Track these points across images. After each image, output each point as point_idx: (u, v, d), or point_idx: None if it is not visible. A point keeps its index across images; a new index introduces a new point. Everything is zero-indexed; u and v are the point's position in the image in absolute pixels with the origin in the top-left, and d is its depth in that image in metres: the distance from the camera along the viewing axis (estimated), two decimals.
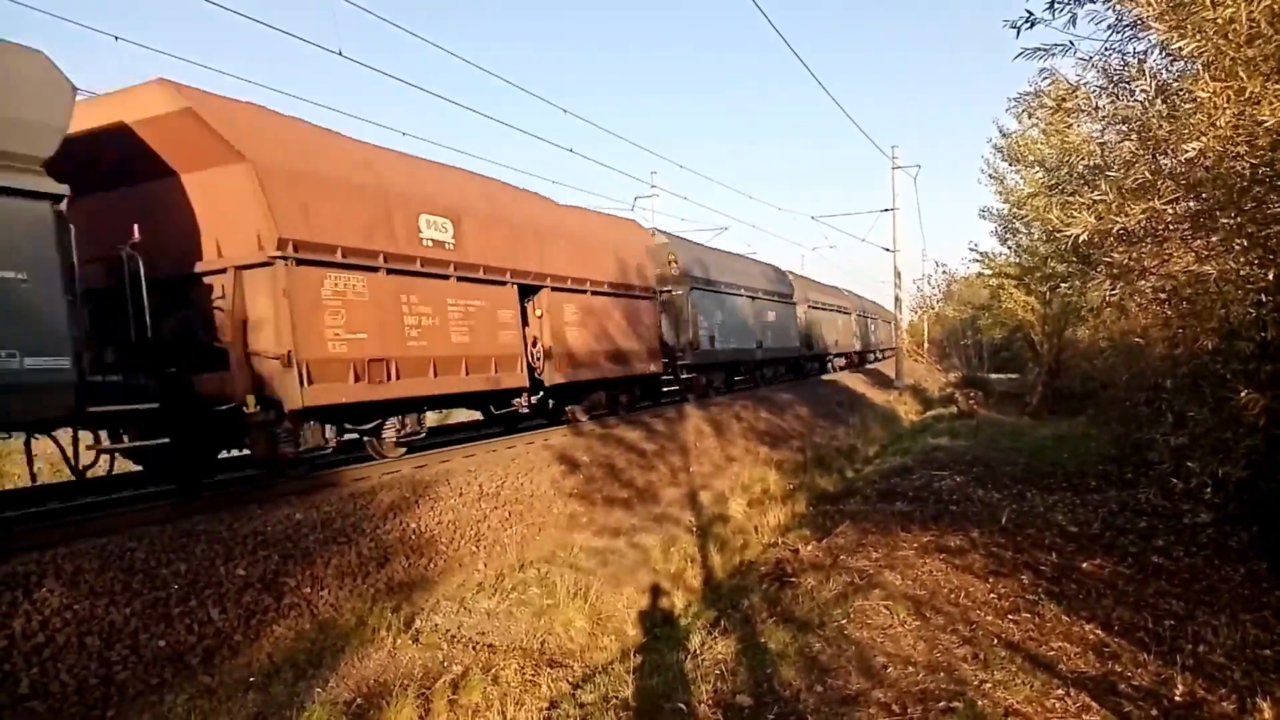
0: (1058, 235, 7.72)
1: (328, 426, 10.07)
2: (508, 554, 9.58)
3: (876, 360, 51.39)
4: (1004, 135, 25.51)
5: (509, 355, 12.75)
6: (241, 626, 6.71)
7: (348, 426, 10.52)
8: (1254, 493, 8.36)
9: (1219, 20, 5.23)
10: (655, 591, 9.64)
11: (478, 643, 7.47)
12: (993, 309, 31.50)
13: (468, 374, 11.70)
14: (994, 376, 44.19)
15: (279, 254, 8.87)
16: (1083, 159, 8.26)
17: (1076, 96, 7.15)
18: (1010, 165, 25.52)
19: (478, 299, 12.13)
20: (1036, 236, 23.05)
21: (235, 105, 9.36)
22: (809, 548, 10.19)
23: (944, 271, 69.63)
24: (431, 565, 8.67)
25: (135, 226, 8.43)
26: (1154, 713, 5.44)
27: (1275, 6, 5.14)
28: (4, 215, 6.59)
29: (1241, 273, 6.87)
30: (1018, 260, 26.78)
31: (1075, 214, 6.57)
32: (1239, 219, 6.41)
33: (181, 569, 6.84)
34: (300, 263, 9.13)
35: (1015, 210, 25.42)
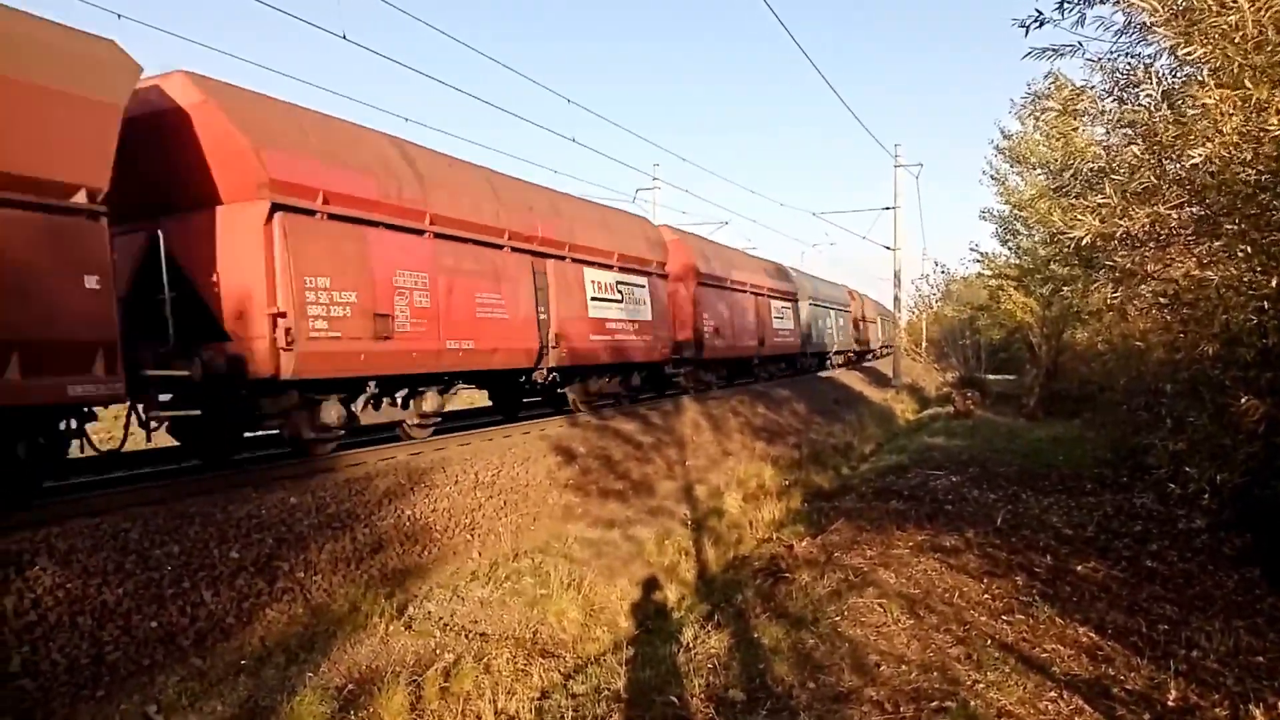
0: (1060, 237, 7.71)
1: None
2: (502, 543, 9.57)
3: (874, 358, 51.40)
4: (1006, 137, 25.40)
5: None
6: (234, 610, 6.69)
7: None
8: (1249, 499, 8.36)
9: (1225, 26, 5.21)
10: (649, 584, 9.64)
11: (470, 631, 7.46)
12: (992, 310, 31.39)
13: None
14: (991, 377, 44.13)
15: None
16: (1087, 162, 8.24)
17: (1083, 99, 7.13)
18: (1012, 167, 25.46)
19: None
20: (1038, 238, 23.05)
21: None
22: (804, 544, 10.20)
23: (943, 271, 69.55)
24: (425, 553, 8.65)
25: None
26: (1147, 717, 5.44)
27: None
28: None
29: (1244, 279, 6.86)
30: (1018, 262, 26.76)
31: (1079, 217, 6.56)
32: (1242, 225, 6.40)
33: (175, 550, 6.81)
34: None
35: (1016, 212, 25.39)
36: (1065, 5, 6.67)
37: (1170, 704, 5.58)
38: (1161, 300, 8.64)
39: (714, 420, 17.65)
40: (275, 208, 8.68)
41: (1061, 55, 6.78)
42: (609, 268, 16.07)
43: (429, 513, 9.20)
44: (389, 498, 9.00)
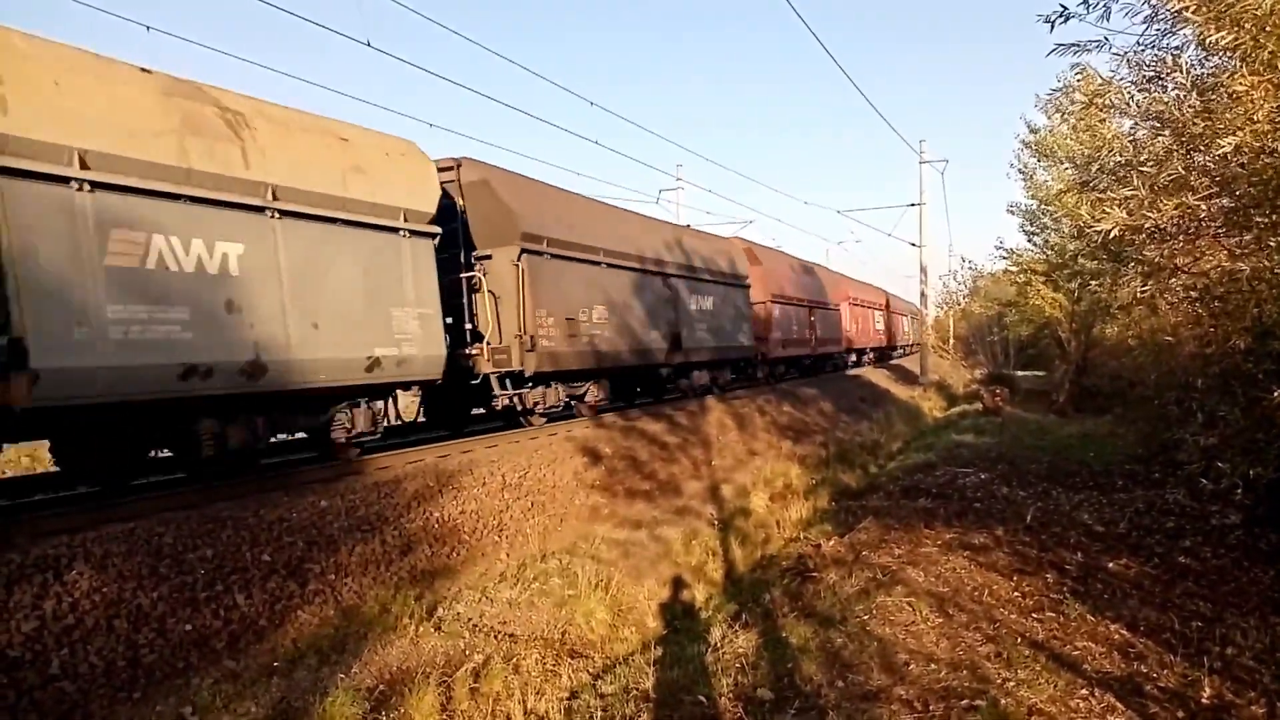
0: (1088, 231, 7.63)
1: None
2: (530, 544, 9.61)
3: (902, 355, 51.10)
4: (1033, 131, 25.23)
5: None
6: (266, 612, 6.78)
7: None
8: None
9: (1258, 11, 5.14)
10: (676, 584, 9.66)
11: (499, 632, 7.51)
12: (1020, 305, 31.13)
13: None
14: (1020, 374, 43.76)
15: None
16: (1114, 155, 8.16)
17: (1109, 92, 7.06)
18: (1039, 161, 25.25)
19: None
20: (1065, 233, 22.82)
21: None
22: (831, 543, 10.16)
23: (970, 267, 69.02)
24: (454, 554, 8.72)
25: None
26: (1180, 715, 5.38)
27: None
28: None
29: (1276, 271, 6.77)
30: (1046, 257, 26.52)
31: (1106, 210, 6.50)
32: (1274, 217, 6.31)
33: (208, 554, 6.92)
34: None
35: (1044, 206, 25.17)
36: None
37: (1204, 701, 5.51)
38: (1192, 294, 8.54)
39: (740, 419, 17.63)
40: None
41: (1087, 50, 6.72)
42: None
43: (457, 514, 9.26)
44: (417, 500, 9.08)
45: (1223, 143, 5.54)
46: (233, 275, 8.18)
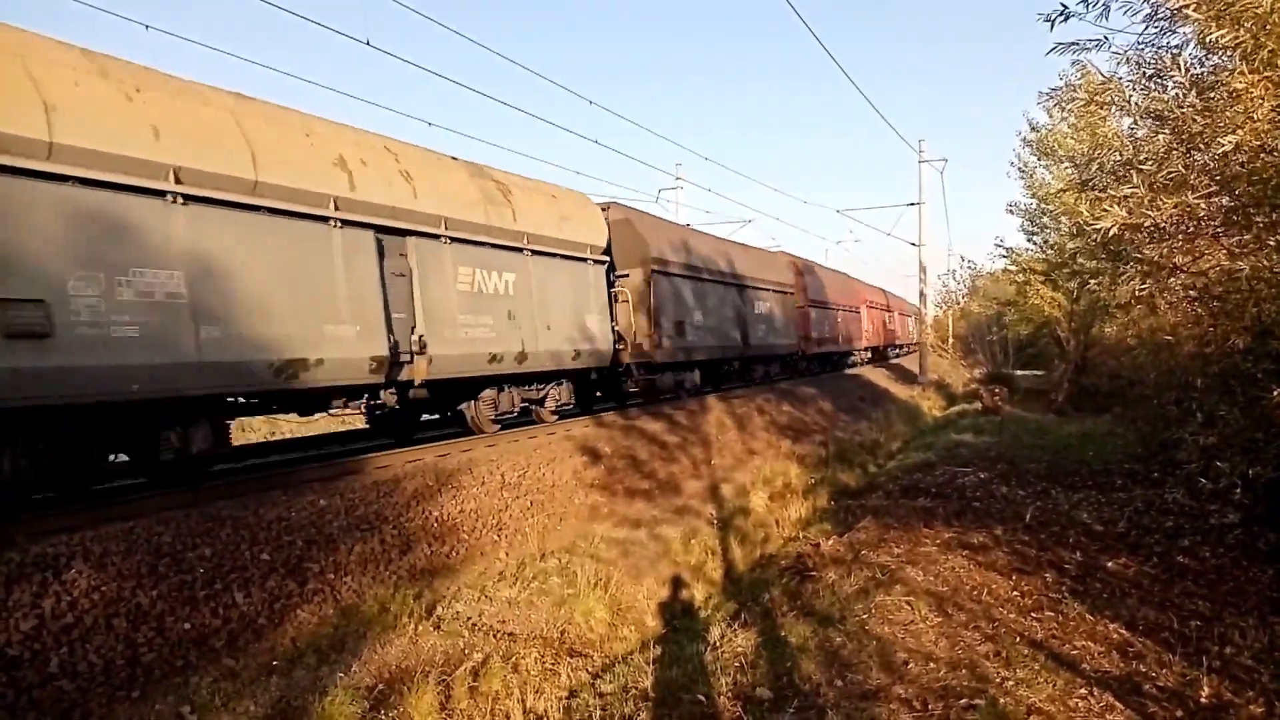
0: (1088, 229, 7.63)
1: None
2: (529, 543, 9.61)
3: (900, 355, 51.09)
4: (1034, 130, 25.27)
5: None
6: (265, 611, 6.78)
7: None
8: None
9: (1259, 10, 5.14)
10: (675, 583, 9.66)
11: (498, 631, 7.51)
12: (1019, 305, 31.17)
13: None
14: (1019, 373, 43.79)
15: None
16: (1114, 153, 8.16)
17: (1109, 90, 7.06)
18: (1039, 160, 25.28)
19: None
20: (1065, 232, 22.84)
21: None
22: (830, 542, 10.16)
23: (970, 266, 69.04)
24: (453, 553, 8.71)
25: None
26: (1179, 714, 5.38)
27: None
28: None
29: (1275, 270, 6.76)
30: (1045, 256, 26.54)
31: (1106, 208, 6.49)
32: (1274, 216, 6.31)
33: (207, 553, 6.91)
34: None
35: (1044, 205, 25.19)
36: None
37: (1203, 701, 5.51)
38: (1191, 293, 8.53)
39: (739, 419, 17.63)
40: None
41: (1087, 49, 6.72)
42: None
43: (456, 513, 9.26)
44: (416, 499, 9.07)
45: (1222, 141, 5.54)
46: (510, 295, 12.39)
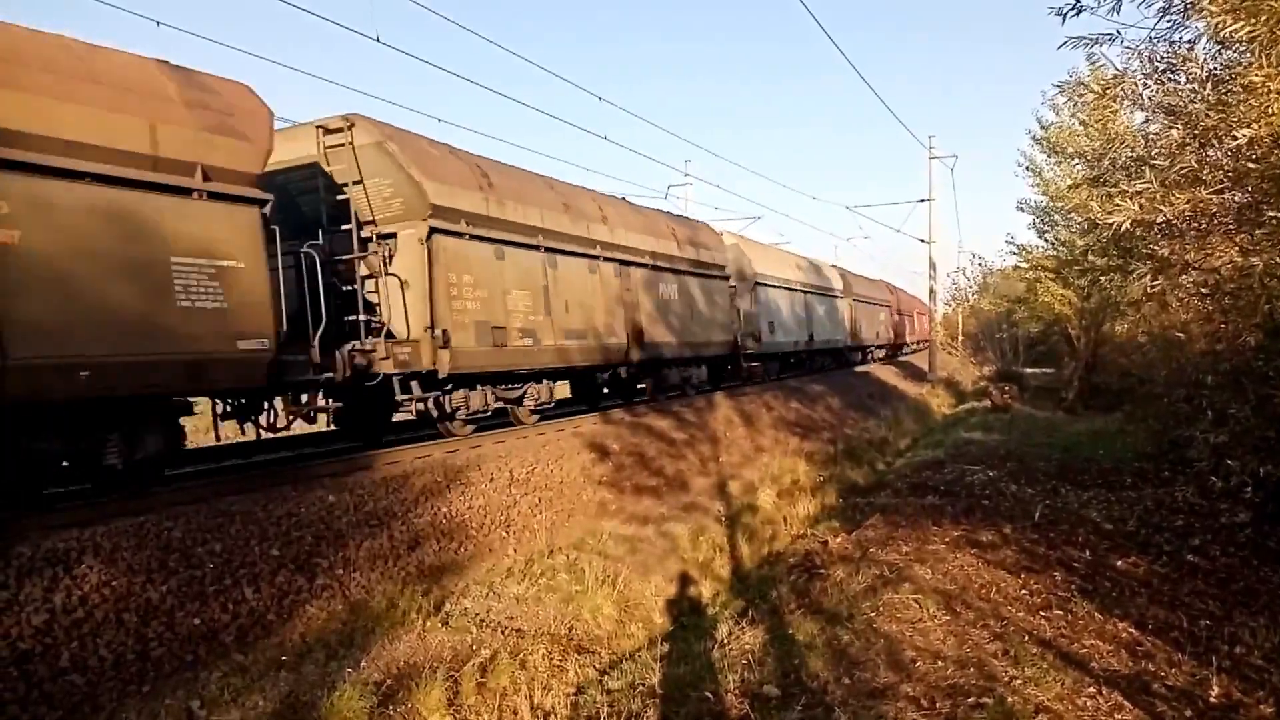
0: (1099, 224, 7.59)
1: None
2: (537, 540, 9.61)
3: (910, 352, 50.96)
4: (1043, 127, 25.11)
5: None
6: (275, 606, 6.80)
7: None
8: None
9: (1276, 2, 5.09)
10: (683, 580, 9.65)
11: (506, 627, 7.51)
12: (1029, 302, 31.08)
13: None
14: (1029, 371, 43.60)
15: None
16: (1126, 148, 8.11)
17: (1121, 84, 7.01)
18: (1049, 157, 25.14)
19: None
20: (1075, 229, 22.72)
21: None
22: (838, 540, 10.14)
23: (980, 264, 68.73)
24: (461, 550, 8.72)
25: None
26: (1188, 713, 5.35)
27: None
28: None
29: None
30: (1055, 253, 26.42)
31: (1118, 203, 6.46)
32: None
33: (217, 548, 6.93)
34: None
35: (1053, 202, 25.07)
36: None
37: (1213, 700, 5.48)
38: (1202, 290, 8.49)
39: (747, 416, 17.60)
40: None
41: (1099, 44, 6.68)
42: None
43: (464, 510, 9.26)
44: (425, 495, 9.09)
45: (1238, 134, 5.49)
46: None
